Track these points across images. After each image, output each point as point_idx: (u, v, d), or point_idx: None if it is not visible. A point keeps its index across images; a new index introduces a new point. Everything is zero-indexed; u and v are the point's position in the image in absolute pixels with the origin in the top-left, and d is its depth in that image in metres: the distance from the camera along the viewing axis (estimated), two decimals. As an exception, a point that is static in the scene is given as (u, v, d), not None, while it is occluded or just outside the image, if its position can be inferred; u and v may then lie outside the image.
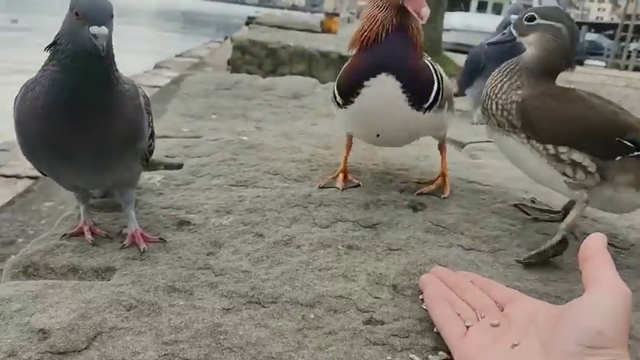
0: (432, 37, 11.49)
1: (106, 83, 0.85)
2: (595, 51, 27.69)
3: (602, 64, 24.67)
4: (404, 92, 1.11)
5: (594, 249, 0.71)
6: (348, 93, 1.15)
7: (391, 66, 1.10)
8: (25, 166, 4.83)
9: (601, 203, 1.07)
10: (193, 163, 1.41)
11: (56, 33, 0.86)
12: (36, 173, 4.92)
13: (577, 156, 0.99)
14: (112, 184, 1.02)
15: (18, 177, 4.72)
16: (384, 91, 1.10)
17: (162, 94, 7.48)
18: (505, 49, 2.34)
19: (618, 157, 0.99)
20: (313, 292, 0.87)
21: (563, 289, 0.95)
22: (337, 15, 20.15)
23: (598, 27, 38.00)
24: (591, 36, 30.09)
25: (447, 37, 16.06)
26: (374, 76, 1.10)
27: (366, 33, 1.12)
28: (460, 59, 13.04)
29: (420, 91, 1.13)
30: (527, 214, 1.23)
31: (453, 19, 20.81)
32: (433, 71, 1.17)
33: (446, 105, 1.21)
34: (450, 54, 13.41)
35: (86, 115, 0.84)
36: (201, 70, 10.10)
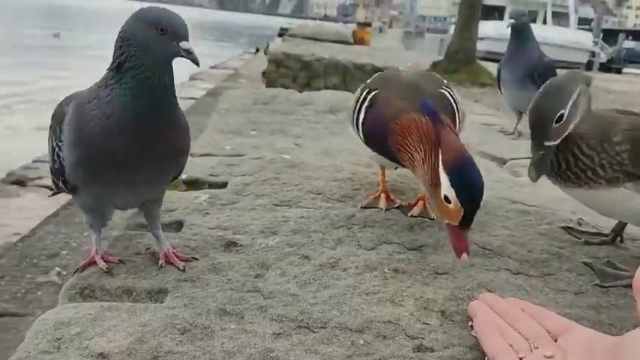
0: (466, 46, 11.43)
1: (173, 98, 0.90)
2: (633, 59, 27.04)
3: (642, 71, 24.00)
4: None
5: None
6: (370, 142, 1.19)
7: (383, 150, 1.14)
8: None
9: None
10: (237, 182, 1.43)
11: (115, 52, 0.87)
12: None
13: None
14: (145, 200, 1.04)
15: (60, 188, 4.85)
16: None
17: (199, 106, 7.61)
18: (514, 54, 2.32)
19: None
20: (362, 317, 0.88)
21: (617, 317, 0.93)
22: (369, 25, 20.19)
23: (636, 34, 37.08)
24: (629, 43, 29.39)
25: (481, 46, 15.92)
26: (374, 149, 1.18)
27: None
28: (493, 68, 12.92)
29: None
30: (577, 237, 1.21)
31: (487, 27, 20.60)
32: (451, 98, 1.19)
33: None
34: (484, 63, 13.29)
35: (158, 129, 0.88)
36: (235, 81, 10.25)
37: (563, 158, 1.02)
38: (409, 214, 1.25)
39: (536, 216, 1.31)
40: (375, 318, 0.87)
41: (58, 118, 0.94)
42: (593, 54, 23.89)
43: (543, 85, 1.03)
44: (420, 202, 1.29)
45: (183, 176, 1.47)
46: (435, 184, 0.94)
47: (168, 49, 0.84)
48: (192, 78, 12.67)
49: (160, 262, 1.00)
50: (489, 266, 1.05)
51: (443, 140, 0.95)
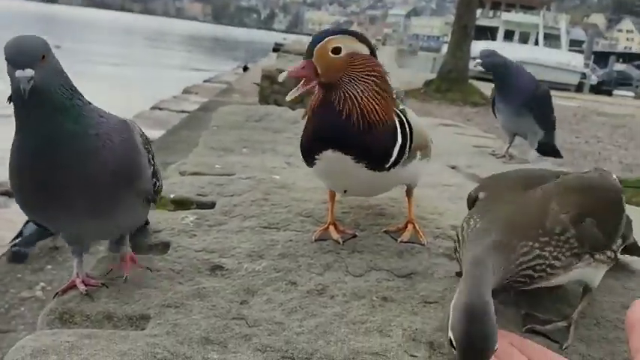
0: (458, 66, 11.54)
1: (66, 124, 0.80)
2: (624, 81, 27.41)
3: (631, 94, 24.36)
4: (357, 162, 1.06)
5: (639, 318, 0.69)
6: (306, 159, 1.12)
7: (333, 142, 1.05)
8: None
9: None
10: (226, 202, 1.41)
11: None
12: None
13: None
14: (120, 231, 1.01)
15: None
16: (336, 163, 1.07)
17: (192, 120, 7.60)
18: (506, 88, 2.30)
19: None
20: (348, 348, 0.86)
21: (606, 352, 0.91)
22: (363, 42, 20.26)
23: (627, 57, 37.63)
24: (620, 66, 29.83)
25: (473, 66, 16.09)
26: (321, 152, 1.07)
27: (307, 111, 1.11)
28: (486, 88, 13.03)
29: (375, 157, 1.06)
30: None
31: (479, 48, 20.84)
32: (398, 124, 1.09)
33: (418, 155, 1.16)
34: (476, 82, 13.40)
35: (57, 162, 0.81)
36: (229, 95, 10.28)
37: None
38: (399, 239, 1.23)
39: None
40: (362, 349, 0.86)
41: None
42: (584, 76, 24.19)
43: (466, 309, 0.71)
44: (410, 226, 1.26)
45: (172, 195, 1.45)
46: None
47: (12, 79, 0.77)
48: (186, 91, 12.69)
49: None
50: (479, 295, 1.04)
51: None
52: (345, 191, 1.23)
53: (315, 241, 1.19)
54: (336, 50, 1.04)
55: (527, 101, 2.43)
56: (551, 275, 0.88)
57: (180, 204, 1.44)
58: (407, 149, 1.10)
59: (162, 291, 0.98)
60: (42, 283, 2.71)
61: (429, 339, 0.90)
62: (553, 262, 0.87)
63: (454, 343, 0.69)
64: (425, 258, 1.17)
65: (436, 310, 0.98)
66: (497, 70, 2.51)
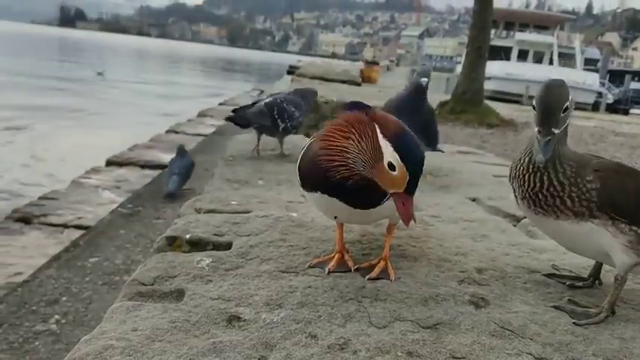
0: (473, 87, 11.47)
1: None
2: None
3: (649, 113, 24.02)
4: (346, 202, 1.12)
5: None
6: (303, 187, 1.20)
7: (323, 187, 1.12)
8: (73, 215, 4.94)
9: None
10: (242, 243, 1.38)
11: None
12: (82, 222, 5.00)
13: None
14: None
15: (65, 226, 4.82)
16: (327, 201, 1.13)
17: (206, 145, 7.62)
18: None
19: None
20: (374, 412, 0.80)
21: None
22: (377, 64, 20.42)
23: (643, 75, 37.34)
24: (635, 85, 29.53)
25: (487, 86, 16.02)
26: (315, 192, 1.15)
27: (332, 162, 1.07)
28: (501, 108, 12.95)
29: (362, 200, 1.12)
30: (562, 282, 1.27)
31: (493, 67, 20.79)
32: None
33: None
34: (491, 102, 13.32)
35: None
36: (243, 119, 10.29)
37: (539, 178, 1.12)
38: (367, 277, 1.20)
39: (557, 288, 1.24)
40: (388, 413, 0.80)
41: None
42: (600, 94, 23.98)
43: (546, 83, 1.14)
44: (382, 263, 1.24)
45: (187, 236, 1.42)
46: (377, 157, 1.00)
47: None
48: (201, 115, 12.78)
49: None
50: (509, 350, 0.98)
51: (377, 116, 1.03)
52: (335, 217, 1.25)
53: (329, 273, 1.21)
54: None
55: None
56: (562, 214, 1.10)
57: (196, 245, 1.40)
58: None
59: (177, 345, 0.94)
60: (57, 316, 2.68)
61: (459, 401, 0.84)
62: (567, 199, 1.10)
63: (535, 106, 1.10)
64: (450, 306, 1.12)
65: (465, 367, 0.93)
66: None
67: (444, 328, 1.04)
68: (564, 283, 1.27)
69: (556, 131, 1.09)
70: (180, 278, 1.19)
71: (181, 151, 5.30)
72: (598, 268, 1.28)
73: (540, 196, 1.12)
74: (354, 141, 1.03)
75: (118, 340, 0.94)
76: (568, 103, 1.12)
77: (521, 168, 1.15)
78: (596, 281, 1.29)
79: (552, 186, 1.10)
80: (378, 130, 1.01)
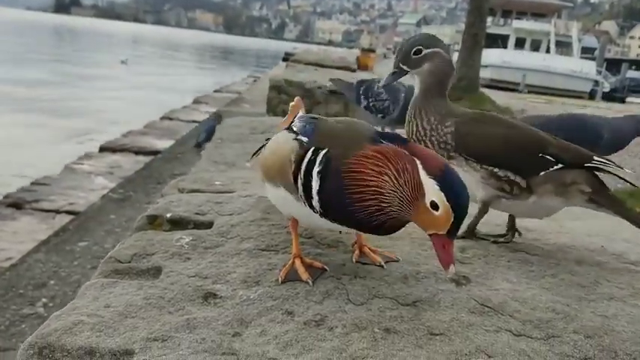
0: (469, 74, 11.44)
1: None
2: (636, 88, 27.08)
3: (645, 101, 24.00)
4: (359, 230, 1.05)
5: None
6: (323, 216, 1.04)
7: (347, 222, 1.00)
8: (65, 201, 4.92)
9: (528, 212, 1.31)
10: (224, 222, 1.36)
11: None
12: (74, 208, 5.01)
13: (510, 174, 1.25)
14: None
15: (57, 212, 4.80)
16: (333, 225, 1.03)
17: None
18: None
19: (542, 173, 1.25)
20: (346, 387, 0.79)
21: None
22: (373, 51, 20.34)
23: (639, 64, 37.29)
24: (632, 73, 29.49)
25: (484, 74, 15.96)
26: (332, 221, 1.02)
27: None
28: (498, 96, 12.91)
29: (379, 232, 1.00)
30: (487, 239, 1.36)
31: (490, 55, 20.71)
32: None
33: None
34: (487, 90, 13.29)
35: None
36: (238, 105, 10.26)
37: (411, 126, 1.34)
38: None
39: (540, 267, 1.22)
40: (361, 389, 0.79)
41: None
42: (596, 83, 23.93)
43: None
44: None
45: (168, 215, 1.39)
46: (416, 195, 0.91)
47: None
48: (196, 101, 12.72)
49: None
50: (489, 327, 0.97)
51: (417, 150, 0.95)
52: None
53: (282, 283, 1.06)
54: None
55: None
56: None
57: (177, 224, 1.38)
58: None
59: (150, 322, 0.92)
60: (44, 299, 2.67)
61: (434, 377, 0.83)
62: (428, 143, 1.31)
63: None
64: (431, 284, 1.10)
65: (442, 343, 0.91)
66: None
67: (423, 306, 1.02)
68: (489, 240, 1.36)
69: (404, 67, 1.33)
70: (158, 256, 1.17)
71: (214, 117, 7.78)
72: (512, 221, 1.39)
73: (413, 141, 1.27)
74: (389, 177, 0.92)
75: (89, 317, 0.92)
76: (426, 51, 1.30)
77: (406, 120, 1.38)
78: (516, 232, 1.39)
79: (418, 132, 1.33)
80: (419, 166, 0.92)
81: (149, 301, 0.99)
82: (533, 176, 1.25)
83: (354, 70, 8.85)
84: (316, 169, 0.98)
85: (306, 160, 1.00)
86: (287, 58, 14.23)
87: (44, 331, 0.88)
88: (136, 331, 0.89)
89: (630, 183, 1.43)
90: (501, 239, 1.36)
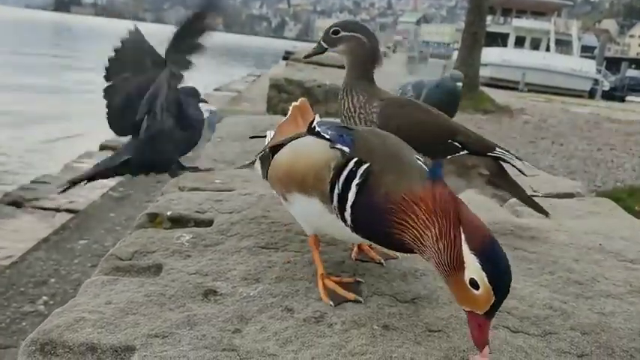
0: (469, 73, 11.43)
1: None
2: (636, 87, 27.09)
3: (645, 100, 24.00)
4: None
5: None
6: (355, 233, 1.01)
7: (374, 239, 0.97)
8: (65, 200, 4.92)
9: None
10: (224, 220, 1.37)
11: None
12: (74, 207, 4.99)
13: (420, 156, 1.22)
14: None
15: (57, 210, 4.80)
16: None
17: (199, 129, 7.61)
18: None
19: (449, 156, 1.37)
20: (345, 383, 0.80)
21: (625, 386, 0.85)
22: (373, 50, 20.25)
23: (639, 63, 37.28)
24: (632, 72, 29.48)
25: (484, 72, 15.94)
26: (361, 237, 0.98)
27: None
28: (497, 94, 12.92)
29: (401, 250, 0.94)
30: None
31: (490, 54, 20.70)
32: None
33: None
34: (487, 89, 13.29)
35: None
36: (238, 104, 10.26)
37: (342, 103, 1.44)
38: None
39: (538, 265, 1.23)
40: (360, 384, 0.80)
41: None
42: (596, 82, 23.93)
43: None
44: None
45: (168, 213, 1.40)
46: (456, 267, 0.82)
47: None
48: (196, 100, 12.68)
49: None
50: (487, 323, 0.98)
51: (464, 216, 0.83)
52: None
53: (336, 305, 1.00)
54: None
55: None
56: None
57: (177, 222, 1.39)
58: None
59: (151, 318, 0.93)
60: (45, 297, 2.67)
61: (432, 373, 0.84)
62: (356, 119, 1.43)
63: None
64: (429, 281, 1.11)
65: (440, 340, 0.92)
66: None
67: (421, 303, 1.03)
68: None
69: (323, 44, 1.45)
70: (158, 253, 1.18)
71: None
72: None
73: (343, 117, 1.44)
74: (431, 235, 0.84)
75: (91, 313, 0.93)
76: (343, 33, 1.42)
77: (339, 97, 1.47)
78: None
79: (348, 109, 1.43)
80: (463, 236, 0.82)
81: (150, 298, 0.99)
82: (439, 159, 1.20)
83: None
84: (356, 180, 0.93)
85: (347, 170, 0.95)
86: (287, 56, 14.21)
87: (46, 327, 0.89)
88: (137, 328, 0.90)
89: (523, 173, 1.57)
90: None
